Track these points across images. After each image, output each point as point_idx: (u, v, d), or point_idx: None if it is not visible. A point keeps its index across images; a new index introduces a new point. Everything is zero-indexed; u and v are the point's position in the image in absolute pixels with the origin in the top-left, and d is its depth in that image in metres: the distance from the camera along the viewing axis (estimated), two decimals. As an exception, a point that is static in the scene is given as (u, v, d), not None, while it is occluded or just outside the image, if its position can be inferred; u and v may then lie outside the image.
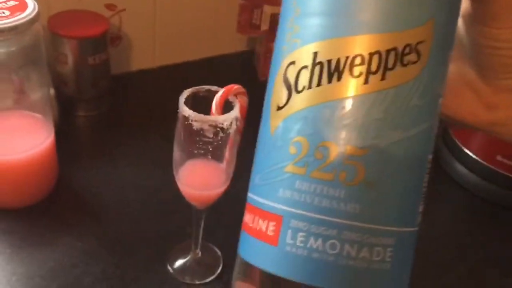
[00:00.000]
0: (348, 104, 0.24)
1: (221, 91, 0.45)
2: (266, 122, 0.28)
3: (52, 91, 0.67)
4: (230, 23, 0.88)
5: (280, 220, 0.25)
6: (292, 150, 0.25)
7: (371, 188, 0.24)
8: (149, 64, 0.87)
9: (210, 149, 0.44)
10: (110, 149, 0.70)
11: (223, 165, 0.47)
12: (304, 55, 0.25)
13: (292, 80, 0.25)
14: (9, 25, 0.50)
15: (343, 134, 0.24)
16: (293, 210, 0.25)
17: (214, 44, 0.92)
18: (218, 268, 0.55)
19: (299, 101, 0.25)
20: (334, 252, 0.24)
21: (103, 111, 0.76)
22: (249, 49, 0.95)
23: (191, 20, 0.87)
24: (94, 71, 0.71)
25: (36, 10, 0.53)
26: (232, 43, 0.94)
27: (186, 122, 0.43)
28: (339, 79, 0.24)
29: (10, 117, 0.58)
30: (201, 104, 0.45)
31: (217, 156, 0.46)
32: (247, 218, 0.29)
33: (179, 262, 0.55)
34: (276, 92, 0.27)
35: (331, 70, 0.24)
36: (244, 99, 0.46)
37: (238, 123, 0.45)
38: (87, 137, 0.75)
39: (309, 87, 0.25)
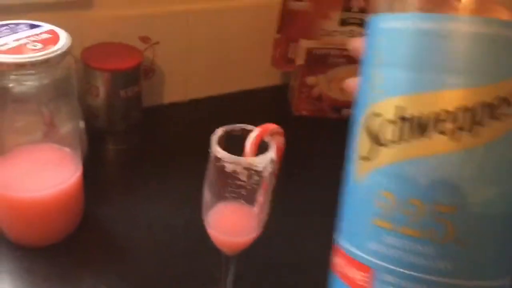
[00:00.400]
0: (436, 161, 0.24)
1: (256, 131, 0.42)
2: (351, 168, 0.30)
3: (82, 123, 0.66)
4: (264, 57, 0.87)
5: (371, 273, 0.26)
6: (379, 203, 0.26)
7: (462, 246, 0.24)
8: (181, 97, 0.86)
9: (243, 193, 0.41)
10: (139, 184, 0.67)
11: (256, 209, 0.43)
12: (388, 108, 0.25)
13: (375, 132, 0.26)
14: (41, 58, 0.49)
15: (430, 192, 0.24)
16: (383, 264, 0.25)
17: (247, 78, 0.90)
18: (247, 318, 0.52)
19: (384, 155, 0.26)
20: None
21: (133, 145, 0.75)
22: (283, 83, 0.93)
23: (224, 53, 0.85)
24: (126, 104, 0.70)
25: (69, 43, 0.52)
26: (265, 77, 0.92)
27: (218, 163, 0.40)
28: (425, 135, 0.24)
29: (39, 151, 0.57)
30: (234, 143, 0.42)
31: (250, 200, 0.42)
32: (338, 261, 0.30)
33: (206, 310, 0.52)
34: (360, 140, 0.28)
35: (417, 126, 0.24)
36: (281, 140, 0.44)
37: (273, 165, 0.42)
38: (115, 171, 0.73)
39: (394, 141, 0.25)
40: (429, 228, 0.25)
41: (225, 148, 0.41)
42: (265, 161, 0.40)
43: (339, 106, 0.84)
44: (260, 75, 0.91)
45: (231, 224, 0.44)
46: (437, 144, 0.23)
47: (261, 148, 0.42)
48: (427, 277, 0.24)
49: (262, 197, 0.43)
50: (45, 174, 0.55)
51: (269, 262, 0.58)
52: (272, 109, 0.89)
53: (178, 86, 0.85)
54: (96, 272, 0.54)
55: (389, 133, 0.25)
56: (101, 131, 0.72)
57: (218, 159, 0.40)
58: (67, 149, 0.57)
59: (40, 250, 0.56)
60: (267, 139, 0.42)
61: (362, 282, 0.27)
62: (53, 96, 0.56)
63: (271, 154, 0.41)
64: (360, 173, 0.28)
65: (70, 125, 0.59)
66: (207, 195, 0.43)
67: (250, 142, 0.41)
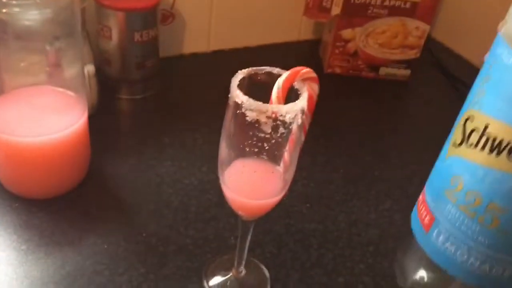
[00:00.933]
0: (498, 175, 0.32)
1: (285, 74, 0.35)
2: (446, 145, 0.38)
3: (92, 68, 0.60)
4: (295, 7, 0.78)
5: (434, 220, 0.39)
6: (452, 181, 0.36)
7: (502, 234, 0.34)
8: (203, 48, 0.79)
9: (266, 148, 0.34)
10: (151, 139, 0.61)
11: (280, 169, 0.37)
12: (479, 120, 0.34)
13: (466, 132, 0.34)
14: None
15: (490, 193, 0.33)
16: (442, 218, 0.37)
17: (276, 30, 0.82)
18: (264, 292, 0.46)
19: (466, 151, 0.35)
20: (462, 258, 0.37)
21: (147, 96, 0.68)
22: (315, 37, 0.85)
23: (252, 2, 0.77)
24: (141, 49, 0.64)
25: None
26: (296, 30, 0.84)
27: (238, 111, 0.34)
28: (498, 154, 0.32)
29: (42, 93, 0.51)
30: (258, 90, 0.35)
31: (274, 157, 0.36)
32: (419, 202, 0.42)
33: (217, 280, 0.46)
34: (456, 129, 0.36)
35: (494, 145, 0.32)
36: (315, 88, 0.36)
37: (304, 117, 0.35)
38: (127, 123, 0.67)
39: (476, 147, 0.34)
40: (480, 215, 0.34)
41: (247, 95, 0.34)
42: (295, 111, 0.33)
43: (376, 64, 0.76)
44: (290, 27, 0.83)
45: (251, 184, 0.37)
46: (503, 164, 0.32)
47: (289, 97, 0.36)
48: (469, 242, 0.36)
49: (288, 154, 0.36)
50: (47, 119, 0.50)
51: (289, 230, 0.52)
52: (301, 66, 0.82)
53: (200, 36, 0.77)
54: (98, 231, 0.49)
55: (473, 138, 0.34)
56: (113, 79, 0.66)
57: (238, 106, 0.33)
58: (72, 93, 0.52)
59: (40, 203, 0.51)
60: (297, 85, 0.35)
61: (427, 223, 0.39)
62: (58, 33, 0.50)
63: (302, 102, 0.34)
64: (448, 153, 0.37)
65: (77, 67, 0.53)
66: (224, 149, 0.37)
67: (277, 87, 0.34)
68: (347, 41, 0.74)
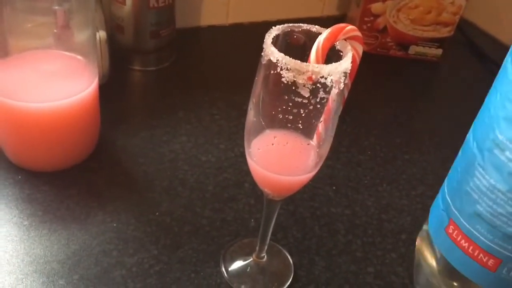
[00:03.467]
0: None
1: (326, 32, 0.30)
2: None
3: (104, 35, 0.55)
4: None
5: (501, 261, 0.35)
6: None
7: None
8: (221, 20, 0.74)
9: (303, 115, 0.30)
10: (166, 113, 0.57)
11: (315, 141, 0.32)
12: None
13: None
14: None
15: None
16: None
17: (297, 4, 0.77)
18: (287, 280, 0.42)
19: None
20: None
21: (161, 68, 0.64)
22: (340, 13, 0.80)
23: (275, -28, 0.73)
24: (156, 17, 0.59)
25: None
26: (319, 4, 0.79)
27: (272, 72, 0.29)
28: None
29: (49, 57, 0.47)
30: (293, 52, 0.31)
31: (310, 127, 0.31)
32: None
33: (236, 265, 0.42)
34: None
35: None
36: (358, 49, 0.32)
37: (346, 81, 0.30)
38: (139, 96, 0.63)
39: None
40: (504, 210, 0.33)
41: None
42: (338, 72, 0.29)
43: (407, 42, 0.71)
44: (313, 2, 0.78)
45: (281, 158, 0.33)
46: None
47: (329, 59, 0.31)
48: (496, 220, 0.33)
49: (324, 125, 0.32)
50: (55, 84, 0.46)
51: (314, 214, 0.48)
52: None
53: (218, 7, 0.73)
54: (107, 208, 0.45)
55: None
56: (126, 49, 0.62)
57: (272, 65, 0.29)
58: (81, 59, 0.47)
59: (45, 176, 0.47)
60: (340, 45, 0.31)
61: (492, 265, 0.35)
62: (67, -7, 0.46)
63: (347, 63, 0.29)
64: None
65: (88, 31, 0.48)
66: (252, 118, 0.33)
67: (317, 47, 0.30)
68: (376, 16, 0.69)
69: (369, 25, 0.69)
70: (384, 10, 0.68)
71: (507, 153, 0.32)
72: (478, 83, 0.72)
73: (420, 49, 0.71)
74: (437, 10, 0.68)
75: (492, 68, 0.72)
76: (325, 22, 0.80)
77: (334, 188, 0.51)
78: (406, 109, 0.65)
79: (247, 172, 0.51)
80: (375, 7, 0.68)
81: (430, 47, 0.71)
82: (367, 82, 0.68)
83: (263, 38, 0.31)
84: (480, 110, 0.36)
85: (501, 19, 0.79)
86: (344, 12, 0.79)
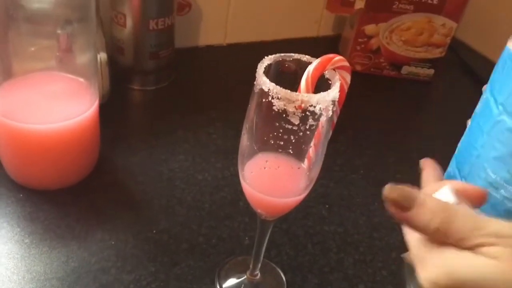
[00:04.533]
0: None
1: (315, 62, 0.32)
2: None
3: (104, 56, 0.57)
4: (316, 1, 0.76)
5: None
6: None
7: None
8: (219, 40, 0.76)
9: (293, 141, 0.32)
10: (164, 132, 0.59)
11: (305, 165, 0.34)
12: None
13: None
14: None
15: None
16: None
17: (294, 25, 0.79)
18: (280, 297, 0.43)
19: None
20: None
21: (161, 87, 0.66)
22: (334, 34, 0.82)
23: (271, -6, 0.75)
24: (156, 38, 0.61)
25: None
26: (315, 25, 0.81)
27: (264, 100, 0.31)
28: None
29: (52, 80, 0.49)
30: (284, 81, 0.32)
31: (300, 152, 0.33)
32: None
33: (231, 282, 0.43)
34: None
35: None
36: (346, 78, 0.34)
37: (335, 108, 0.32)
38: (138, 115, 0.64)
39: None
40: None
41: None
42: (326, 101, 0.30)
43: (399, 62, 0.73)
44: (309, 22, 0.80)
45: (273, 181, 0.34)
46: None
47: (319, 88, 0.33)
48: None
49: (314, 149, 0.33)
50: (57, 106, 0.47)
51: (308, 232, 0.49)
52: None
53: (216, 28, 0.75)
54: (105, 226, 0.46)
55: None
56: (126, 69, 0.63)
57: (264, 94, 0.31)
58: (83, 81, 0.49)
59: (46, 194, 0.48)
60: (328, 74, 0.33)
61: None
62: (70, 17, 0.47)
63: (334, 92, 0.31)
64: None
65: (89, 54, 0.50)
66: (245, 142, 0.34)
67: (307, 76, 0.31)
68: (369, 37, 0.71)
69: (363, 46, 0.71)
70: (378, 32, 0.70)
71: (502, 191, 0.33)
72: (469, 101, 0.73)
73: (412, 69, 0.73)
74: (429, 32, 0.70)
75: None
76: (321, 42, 0.82)
77: (327, 206, 0.52)
78: (399, 128, 0.67)
79: (242, 191, 0.53)
80: (369, 28, 0.70)
81: (422, 67, 0.73)
82: (360, 101, 0.70)
83: (260, 58, 0.33)
84: (461, 142, 0.37)
85: (492, 38, 0.81)
86: (338, 32, 0.81)
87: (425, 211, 0.26)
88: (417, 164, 0.60)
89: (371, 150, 0.61)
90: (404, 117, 0.70)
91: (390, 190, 0.27)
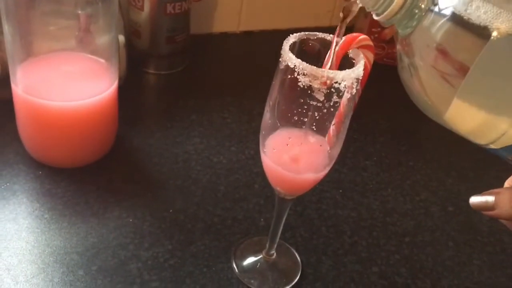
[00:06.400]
0: None
1: (341, 40, 0.32)
2: None
3: (122, 39, 0.58)
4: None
5: None
6: None
7: None
8: (233, 28, 0.77)
9: (317, 117, 0.32)
10: (180, 115, 0.59)
11: (328, 142, 0.34)
12: None
13: None
14: None
15: None
16: None
17: (307, 14, 0.79)
18: (295, 276, 0.43)
19: None
20: None
21: (176, 71, 0.66)
22: (348, 24, 0.82)
23: (286, -18, 0.75)
24: (172, 22, 0.61)
25: None
26: (328, 15, 0.81)
27: (290, 76, 0.31)
28: None
29: (71, 59, 0.49)
30: (308, 59, 0.33)
31: (323, 128, 0.33)
32: None
33: (247, 261, 0.44)
34: None
35: None
36: (370, 57, 0.34)
37: (358, 87, 0.32)
38: (154, 98, 0.65)
39: None
40: None
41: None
42: (351, 78, 0.31)
43: (412, 53, 0.73)
44: (323, 12, 0.80)
45: (295, 156, 0.35)
46: None
47: (342, 66, 0.33)
48: None
49: (336, 128, 0.34)
50: (77, 84, 0.48)
51: (322, 215, 0.50)
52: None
53: (230, 15, 0.75)
54: (123, 204, 0.47)
55: None
56: (142, 53, 0.64)
57: (289, 70, 0.31)
58: (103, 61, 0.49)
59: (64, 172, 0.49)
60: (352, 53, 0.33)
61: None
62: (91, -1, 0.48)
63: (359, 70, 0.31)
64: None
65: (108, 35, 0.51)
66: (268, 118, 0.35)
67: (332, 53, 0.32)
68: (383, 27, 0.71)
69: (376, 35, 0.72)
70: (392, 22, 0.70)
71: None
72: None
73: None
74: (443, 23, 0.70)
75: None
76: (334, 31, 0.82)
77: (340, 191, 0.53)
78: (411, 117, 0.67)
79: (257, 174, 0.53)
80: (383, 18, 0.70)
81: (435, 59, 0.73)
82: (374, 91, 0.70)
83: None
84: None
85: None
86: (352, 22, 0.81)
87: (504, 204, 0.30)
88: (430, 152, 0.61)
89: (384, 138, 0.62)
90: (416, 106, 0.70)
91: (472, 201, 0.32)
